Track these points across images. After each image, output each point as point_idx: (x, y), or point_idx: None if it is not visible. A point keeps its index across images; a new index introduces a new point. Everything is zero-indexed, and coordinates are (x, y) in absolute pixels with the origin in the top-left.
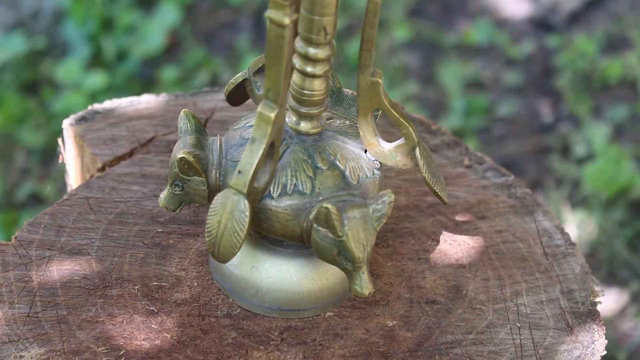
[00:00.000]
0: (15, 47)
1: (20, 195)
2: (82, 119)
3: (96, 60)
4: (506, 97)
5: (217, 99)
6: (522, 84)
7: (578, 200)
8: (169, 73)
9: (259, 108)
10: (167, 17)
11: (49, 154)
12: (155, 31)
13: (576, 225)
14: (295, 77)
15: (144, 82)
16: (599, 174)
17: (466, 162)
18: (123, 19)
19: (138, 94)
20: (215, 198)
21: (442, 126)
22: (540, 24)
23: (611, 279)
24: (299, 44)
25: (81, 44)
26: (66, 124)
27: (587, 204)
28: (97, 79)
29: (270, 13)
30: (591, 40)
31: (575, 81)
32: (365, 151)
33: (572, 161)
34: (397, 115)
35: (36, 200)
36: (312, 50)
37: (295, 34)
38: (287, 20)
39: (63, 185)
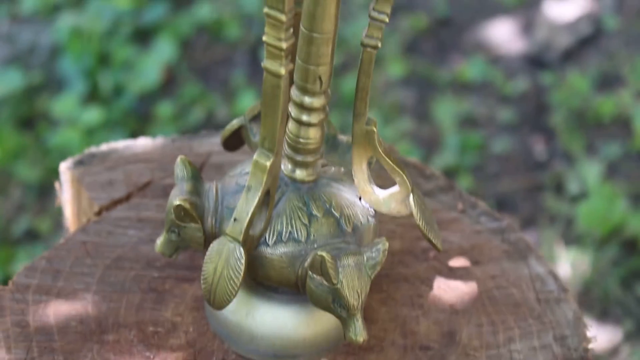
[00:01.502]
0: (12, 82)
1: (15, 231)
2: (80, 163)
3: (92, 96)
4: (500, 134)
5: (213, 143)
6: (516, 121)
7: (572, 238)
8: (164, 108)
9: (255, 156)
10: (163, 52)
11: (45, 190)
12: (151, 67)
13: (570, 264)
14: (291, 125)
15: (140, 118)
16: (593, 212)
17: (460, 207)
18: (119, 54)
19: (134, 129)
20: (212, 245)
21: (435, 170)
22: (534, 62)
23: (604, 318)
24: (294, 92)
25: (78, 79)
26: (63, 167)
27: (581, 242)
28: (93, 114)
29: (267, 63)
30: (585, 78)
31: (569, 118)
32: (360, 198)
33: (566, 199)
34: (392, 164)
35: (32, 235)
36: (307, 99)
37: (291, 82)
38: (283, 71)
39: (59, 221)
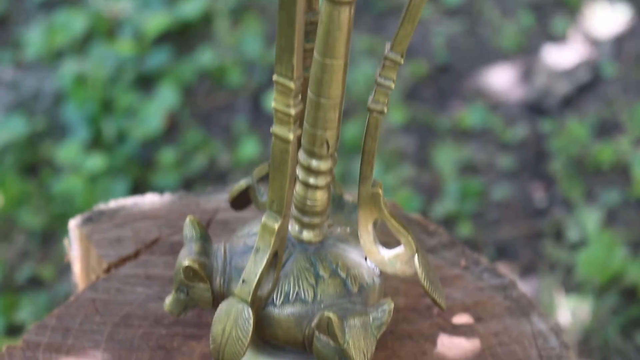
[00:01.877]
0: (16, 129)
1: (19, 278)
2: (88, 220)
3: (96, 142)
4: (500, 180)
5: (220, 200)
6: (516, 168)
7: (572, 286)
8: (167, 155)
9: (264, 219)
10: (165, 99)
11: (49, 237)
12: (154, 113)
13: (570, 311)
14: (298, 187)
15: (143, 164)
16: (592, 260)
17: (462, 263)
18: (122, 100)
19: (137, 176)
20: (220, 306)
21: (438, 226)
22: (534, 108)
23: None
24: (302, 156)
25: (81, 125)
26: (72, 224)
27: (581, 290)
28: (96, 161)
29: (275, 128)
30: (583, 125)
31: (568, 165)
32: (366, 259)
33: (566, 246)
34: (397, 225)
35: (35, 282)
36: (314, 163)
37: (299, 146)
38: (291, 136)
39: (62, 268)
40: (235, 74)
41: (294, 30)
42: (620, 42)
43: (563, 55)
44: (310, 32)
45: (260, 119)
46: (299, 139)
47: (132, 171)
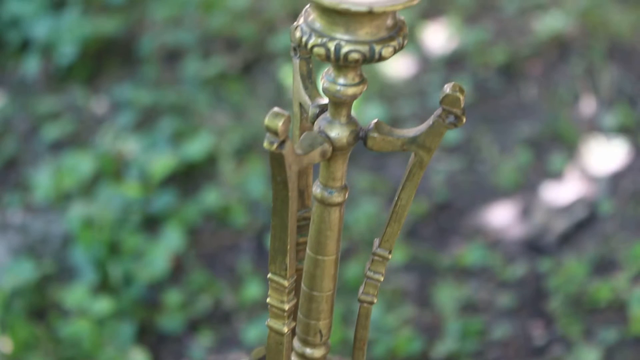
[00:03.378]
0: (24, 274)
1: None
2: None
3: (103, 285)
4: (500, 319)
5: None
6: (516, 306)
7: None
8: (173, 297)
9: None
10: (171, 241)
11: None
12: (160, 256)
13: None
14: None
15: (149, 306)
16: None
17: None
18: (129, 242)
19: (143, 318)
20: None
21: None
22: (532, 246)
23: None
24: (296, 344)
25: (88, 268)
26: None
27: None
28: (103, 305)
29: (270, 322)
30: (581, 262)
31: (566, 304)
32: None
33: None
34: None
35: None
36: (308, 351)
37: (293, 335)
38: (285, 329)
39: None
40: (239, 214)
41: (287, 234)
42: (616, 178)
43: (560, 192)
44: (303, 227)
45: (265, 259)
46: (293, 330)
47: (138, 314)
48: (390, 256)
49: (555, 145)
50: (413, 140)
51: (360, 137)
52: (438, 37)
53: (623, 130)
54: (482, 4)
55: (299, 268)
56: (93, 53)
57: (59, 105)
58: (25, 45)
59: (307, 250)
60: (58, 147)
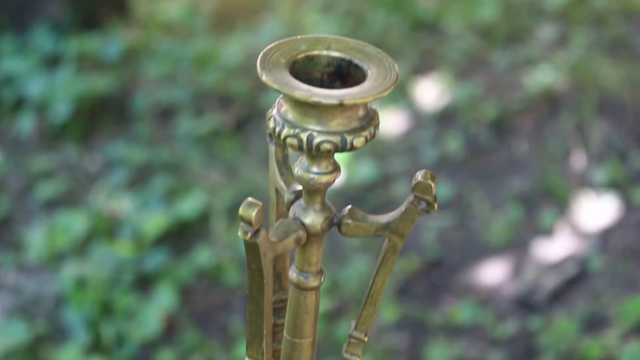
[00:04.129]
0: (17, 334)
1: None
2: None
3: (95, 346)
4: None
5: None
6: None
7: None
8: (165, 357)
9: None
10: (163, 300)
11: None
12: (152, 315)
13: None
14: None
15: None
16: None
17: None
18: (121, 302)
19: None
20: None
21: None
22: (523, 304)
23: None
24: None
25: (81, 328)
26: None
27: None
28: None
29: None
30: (571, 320)
31: None
32: None
33: None
34: None
35: None
36: None
37: None
38: None
39: None
40: (231, 273)
41: (263, 319)
42: (607, 234)
43: (551, 249)
44: (281, 309)
45: None
46: None
47: None
48: (365, 339)
49: (546, 201)
50: (386, 227)
51: (334, 223)
52: (429, 93)
53: (613, 185)
54: (473, 59)
55: (276, 349)
56: (87, 111)
57: (52, 164)
58: (19, 104)
59: (284, 333)
60: (51, 205)
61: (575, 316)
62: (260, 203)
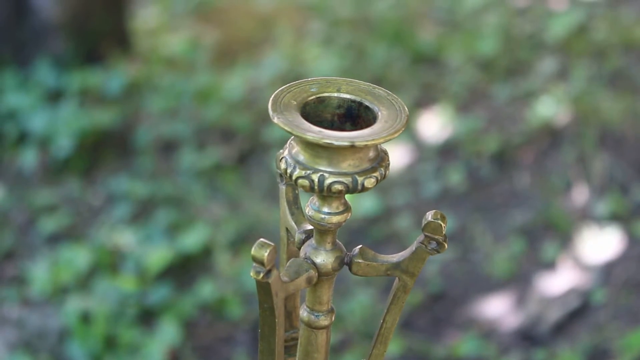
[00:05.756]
0: None
1: None
2: None
3: None
4: None
5: None
6: None
7: None
8: None
9: None
10: (167, 334)
11: None
12: (156, 349)
13: None
14: None
15: None
16: None
17: None
18: (125, 337)
19: None
20: None
21: None
22: (526, 336)
23: None
24: None
25: None
26: None
27: None
28: None
29: None
30: (575, 352)
31: None
32: None
33: None
34: None
35: None
36: None
37: None
38: None
39: None
40: (235, 306)
41: (274, 358)
42: (609, 267)
43: (554, 282)
44: (291, 347)
45: None
46: None
47: None
48: None
49: (548, 234)
50: (397, 266)
51: (345, 262)
52: (431, 126)
53: (615, 218)
54: (474, 92)
55: None
56: (89, 145)
57: (55, 198)
58: (22, 138)
59: None
60: (55, 239)
61: (579, 349)
62: (272, 244)
